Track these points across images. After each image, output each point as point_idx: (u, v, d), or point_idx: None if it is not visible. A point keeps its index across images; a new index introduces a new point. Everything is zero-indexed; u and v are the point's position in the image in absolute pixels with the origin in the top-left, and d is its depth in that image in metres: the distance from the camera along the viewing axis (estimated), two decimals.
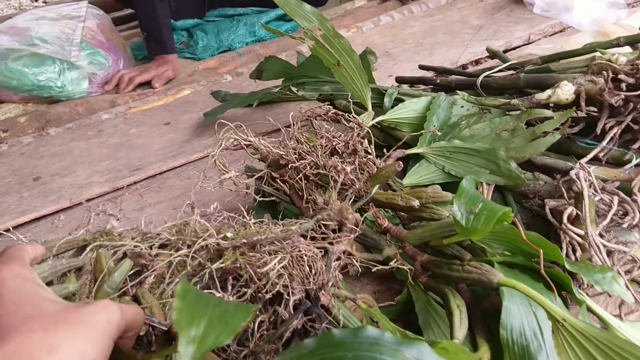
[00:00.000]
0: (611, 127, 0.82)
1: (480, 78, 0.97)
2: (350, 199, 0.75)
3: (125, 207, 1.02)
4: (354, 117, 0.77)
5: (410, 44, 1.57)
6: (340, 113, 0.77)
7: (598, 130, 0.80)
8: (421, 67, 1.21)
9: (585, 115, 0.83)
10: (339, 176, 0.73)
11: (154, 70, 1.49)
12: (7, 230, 0.94)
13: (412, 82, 1.14)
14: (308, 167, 0.73)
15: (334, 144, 0.74)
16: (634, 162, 0.76)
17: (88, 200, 1.04)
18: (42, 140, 1.25)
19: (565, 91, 0.82)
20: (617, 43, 0.90)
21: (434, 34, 1.61)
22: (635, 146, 0.81)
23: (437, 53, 1.50)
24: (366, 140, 0.77)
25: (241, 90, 1.38)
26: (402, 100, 1.02)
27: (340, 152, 0.75)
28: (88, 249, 0.61)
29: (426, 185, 0.88)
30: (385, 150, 0.99)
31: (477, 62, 1.45)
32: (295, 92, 1.08)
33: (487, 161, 0.84)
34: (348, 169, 0.74)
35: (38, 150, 1.20)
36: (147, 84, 1.51)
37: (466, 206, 0.58)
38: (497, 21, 1.65)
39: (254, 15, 1.78)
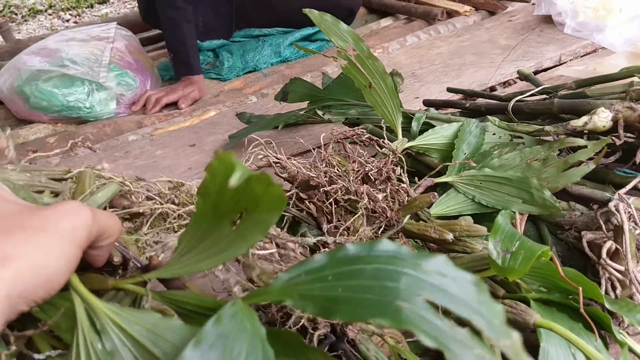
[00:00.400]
0: None
1: (512, 103, 0.94)
2: (380, 228, 0.73)
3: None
4: (387, 143, 0.75)
5: (438, 64, 1.55)
6: (375, 138, 0.76)
7: (637, 160, 0.77)
8: (449, 90, 1.19)
9: (623, 143, 0.80)
10: (370, 203, 0.71)
11: (181, 91, 1.50)
12: None
13: (441, 105, 1.12)
14: (339, 192, 0.72)
15: (367, 169, 0.72)
16: None
17: None
18: (70, 161, 1.25)
19: (602, 118, 0.79)
20: None
21: (462, 55, 1.59)
22: None
23: (465, 74, 1.47)
24: (399, 168, 0.75)
25: (266, 112, 1.37)
26: (430, 125, 1.00)
27: (373, 179, 0.73)
28: (70, 174, 0.55)
29: (455, 216, 0.86)
30: (416, 178, 0.98)
31: (505, 83, 1.42)
32: (321, 115, 1.06)
33: (519, 190, 0.81)
34: (380, 196, 0.72)
35: None
36: (174, 104, 1.51)
37: (502, 244, 0.56)
38: (527, 41, 1.62)
39: (280, 36, 1.78)
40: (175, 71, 1.59)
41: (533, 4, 1.80)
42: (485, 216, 0.84)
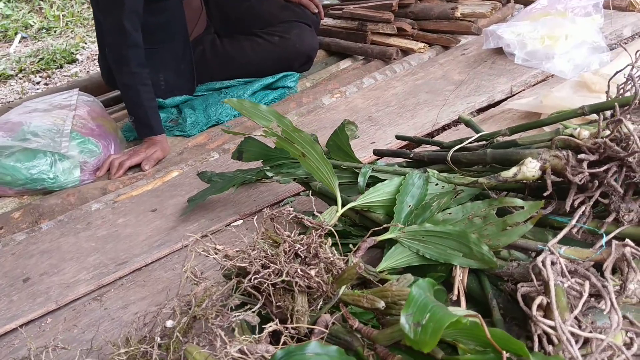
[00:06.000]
0: (582, 202, 0.81)
1: (451, 153, 0.97)
2: (318, 303, 0.75)
3: (110, 305, 1.03)
4: (311, 221, 0.77)
5: (393, 106, 1.58)
6: (301, 216, 0.78)
7: (567, 208, 0.79)
8: (398, 137, 1.21)
9: (556, 190, 0.83)
10: (303, 281, 0.74)
11: (143, 153, 1.52)
12: None
13: (389, 155, 1.15)
14: (272, 275, 0.74)
15: (296, 248, 0.74)
16: (604, 241, 0.74)
17: (74, 301, 1.06)
18: (33, 237, 1.27)
19: (530, 168, 0.82)
20: (582, 112, 0.90)
21: (416, 94, 1.62)
22: (609, 219, 0.80)
23: (419, 114, 1.51)
24: (329, 240, 0.78)
25: (227, 169, 1.40)
26: (377, 178, 1.03)
27: (303, 256, 0.75)
28: None
29: (405, 268, 0.88)
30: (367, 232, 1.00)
31: (457, 122, 1.46)
32: (270, 177, 1.09)
33: (459, 244, 0.83)
34: (312, 272, 0.74)
35: (28, 249, 1.22)
36: (138, 166, 1.53)
37: (414, 317, 0.58)
38: (479, 75, 1.66)
39: (241, 87, 1.81)
40: (137, 133, 1.62)
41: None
42: (433, 268, 0.87)
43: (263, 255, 0.76)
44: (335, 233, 0.80)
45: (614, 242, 0.72)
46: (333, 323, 0.73)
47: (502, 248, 0.84)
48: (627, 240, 0.72)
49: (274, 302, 0.75)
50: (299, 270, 0.73)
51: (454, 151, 0.98)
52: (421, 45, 1.88)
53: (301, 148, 0.90)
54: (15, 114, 1.58)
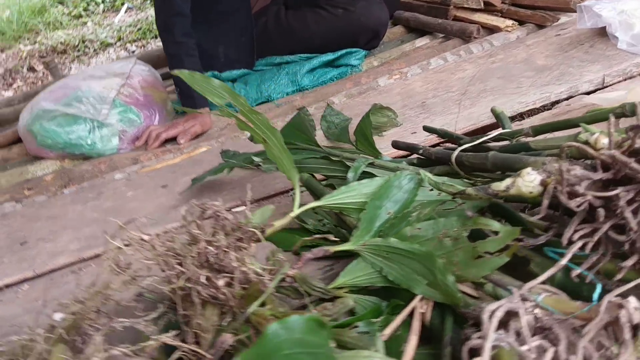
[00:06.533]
0: (593, 232, 0.59)
1: (455, 153, 0.78)
2: (226, 318, 0.63)
3: (85, 280, 0.98)
4: (232, 222, 0.64)
5: (454, 92, 1.37)
6: (220, 213, 0.65)
7: (564, 241, 0.58)
8: (425, 129, 1.03)
9: (558, 215, 0.62)
10: (207, 291, 0.62)
11: (181, 126, 1.47)
12: None
13: (404, 148, 0.97)
14: (176, 279, 0.63)
15: (207, 252, 0.62)
16: (597, 294, 0.53)
17: (53, 271, 1.03)
18: (48, 201, 1.27)
19: (527, 182, 0.61)
20: (622, 112, 0.66)
21: (486, 79, 1.39)
22: (629, 263, 0.58)
23: (480, 103, 1.28)
24: (253, 245, 0.64)
25: (252, 149, 1.29)
26: (373, 175, 0.87)
27: (213, 261, 0.63)
28: None
29: (365, 287, 0.73)
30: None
31: (528, 113, 1.22)
32: (259, 163, 0.97)
33: (424, 268, 0.66)
34: (220, 282, 0.62)
35: (39, 213, 1.22)
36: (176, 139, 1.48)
37: None
38: (569, 60, 1.38)
39: (300, 63, 1.69)
40: (182, 104, 1.57)
41: None
42: (398, 292, 0.70)
43: (171, 254, 0.65)
44: (262, 237, 0.66)
45: (609, 298, 0.51)
46: (233, 345, 0.61)
47: (486, 281, 0.65)
48: (630, 299, 0.50)
49: (179, 310, 0.65)
50: (202, 278, 0.62)
51: (460, 151, 0.79)
52: (509, 22, 1.62)
53: (260, 132, 0.76)
54: (73, 79, 1.61)
